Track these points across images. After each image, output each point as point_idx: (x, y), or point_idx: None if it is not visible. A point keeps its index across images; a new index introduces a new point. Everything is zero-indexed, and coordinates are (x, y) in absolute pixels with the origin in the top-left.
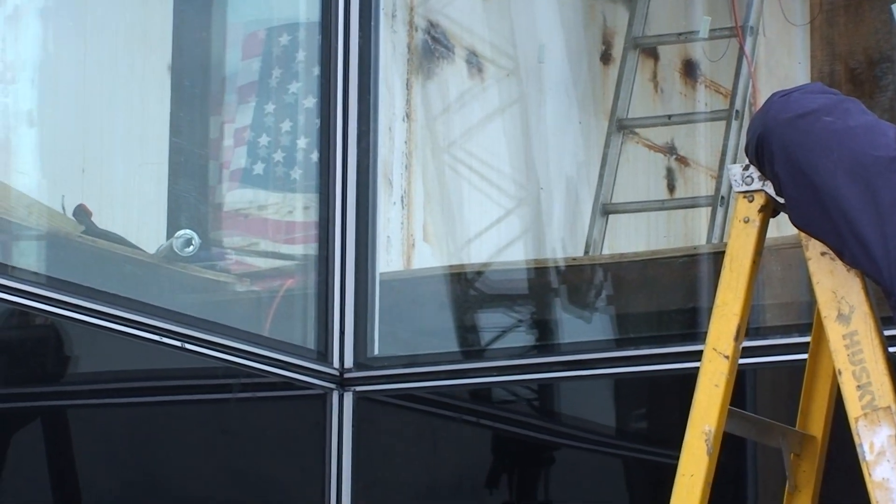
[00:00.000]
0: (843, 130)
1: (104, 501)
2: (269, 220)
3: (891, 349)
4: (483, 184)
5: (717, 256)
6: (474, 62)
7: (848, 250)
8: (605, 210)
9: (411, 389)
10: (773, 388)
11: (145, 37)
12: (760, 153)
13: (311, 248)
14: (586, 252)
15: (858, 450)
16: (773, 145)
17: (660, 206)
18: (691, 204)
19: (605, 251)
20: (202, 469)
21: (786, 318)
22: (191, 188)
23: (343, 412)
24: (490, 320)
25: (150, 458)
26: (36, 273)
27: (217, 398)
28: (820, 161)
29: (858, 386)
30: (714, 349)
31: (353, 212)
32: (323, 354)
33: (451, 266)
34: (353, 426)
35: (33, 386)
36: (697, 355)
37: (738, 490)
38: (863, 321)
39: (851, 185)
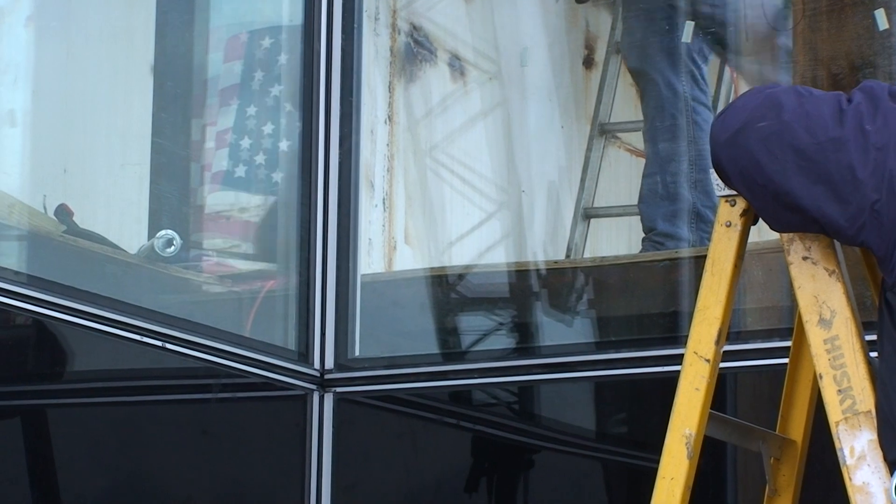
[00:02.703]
0: (778, 130)
1: (84, 501)
2: (251, 223)
3: (872, 354)
4: (465, 187)
5: (699, 260)
6: (457, 66)
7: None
8: (587, 214)
9: (392, 391)
10: (754, 392)
11: (128, 38)
12: (721, 176)
13: (293, 251)
14: (568, 255)
15: (839, 454)
16: (725, 168)
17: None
18: None
19: (587, 255)
20: (182, 469)
21: (767, 322)
22: (172, 189)
23: (323, 413)
24: (471, 323)
25: (130, 458)
26: (17, 272)
27: (198, 398)
28: (769, 168)
29: (839, 390)
30: (695, 353)
31: (334, 214)
32: (304, 355)
33: (432, 269)
34: (333, 427)
35: (12, 385)
36: (678, 359)
37: (718, 494)
38: (844, 326)
39: (804, 179)
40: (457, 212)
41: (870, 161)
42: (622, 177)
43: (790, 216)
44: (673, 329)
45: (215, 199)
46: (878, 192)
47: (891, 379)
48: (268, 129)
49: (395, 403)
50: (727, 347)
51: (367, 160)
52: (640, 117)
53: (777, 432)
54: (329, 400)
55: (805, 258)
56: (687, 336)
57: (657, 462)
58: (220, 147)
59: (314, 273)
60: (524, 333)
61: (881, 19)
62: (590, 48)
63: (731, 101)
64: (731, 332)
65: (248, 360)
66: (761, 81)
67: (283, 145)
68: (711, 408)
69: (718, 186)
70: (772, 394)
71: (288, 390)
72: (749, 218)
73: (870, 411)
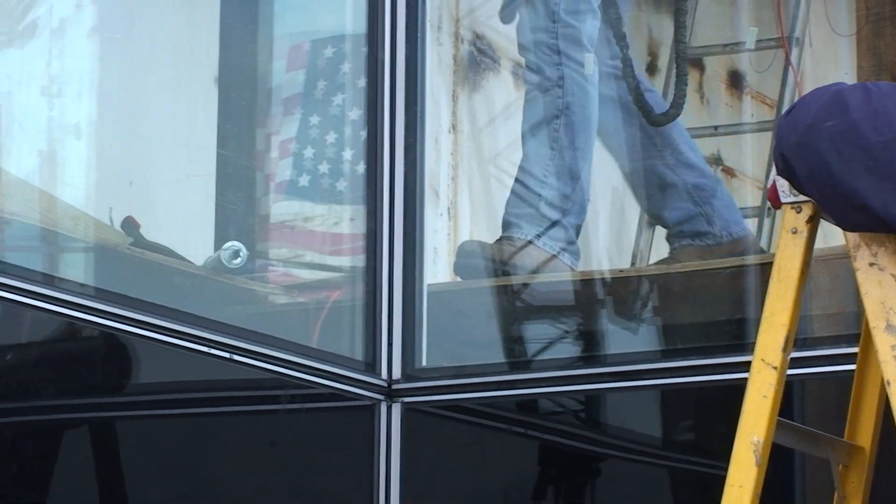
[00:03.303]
0: (845, 130)
1: None
2: (316, 232)
3: None
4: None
5: (765, 267)
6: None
7: None
8: (652, 222)
9: (459, 400)
10: (822, 399)
11: (192, 49)
12: (791, 179)
13: (359, 260)
14: (633, 263)
15: None
16: (797, 171)
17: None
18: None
19: (652, 262)
20: (251, 480)
21: (834, 328)
22: (237, 200)
23: (391, 423)
24: (536, 332)
25: (199, 469)
26: (83, 285)
27: (266, 409)
28: (837, 170)
29: None
30: (762, 360)
31: (400, 223)
32: (371, 365)
33: (497, 277)
34: (401, 437)
35: (81, 397)
36: (745, 366)
37: (787, 501)
38: None
39: (872, 178)
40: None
41: None
42: None
43: (860, 216)
44: (740, 336)
45: (280, 208)
46: None
47: None
48: (331, 138)
49: (463, 413)
50: (794, 354)
51: (431, 169)
52: (705, 124)
53: (845, 439)
54: (397, 410)
55: (872, 264)
56: (754, 343)
57: (725, 470)
58: (283, 157)
59: (380, 283)
60: (590, 342)
61: None
62: (653, 55)
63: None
64: (798, 338)
65: (316, 371)
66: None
67: (347, 154)
68: (779, 415)
69: (783, 193)
70: (839, 401)
71: (355, 401)
72: (815, 224)
73: None
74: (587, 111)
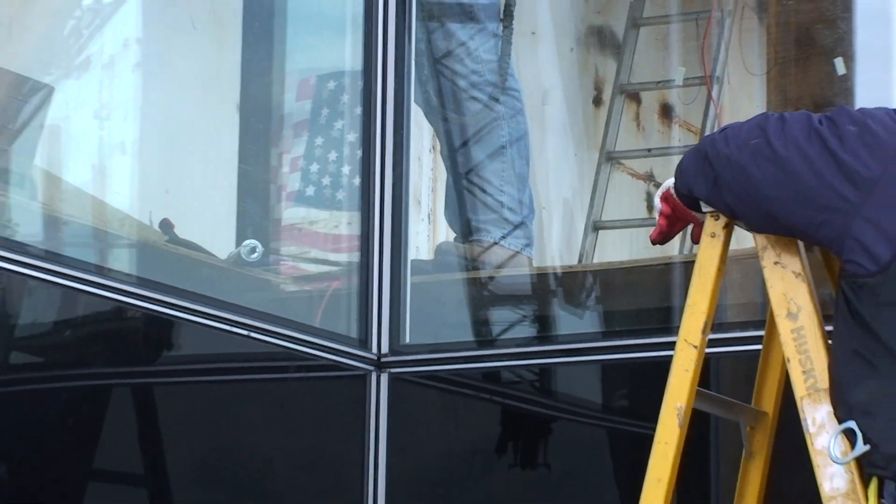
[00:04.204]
0: (763, 147)
1: (185, 464)
2: (319, 233)
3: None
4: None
5: (688, 265)
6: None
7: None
8: (596, 227)
9: (436, 371)
10: (733, 373)
11: (218, 81)
12: (716, 189)
13: (354, 256)
14: (580, 261)
15: (803, 423)
16: (726, 179)
17: (640, 223)
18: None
19: (595, 260)
20: (265, 437)
21: (744, 315)
22: (255, 206)
23: (380, 390)
24: (500, 316)
25: (223, 428)
26: (128, 274)
27: (277, 378)
28: (756, 181)
29: (804, 371)
30: (685, 340)
31: (388, 226)
32: (363, 342)
33: (468, 272)
34: (388, 401)
35: (125, 367)
36: (671, 345)
37: (704, 456)
38: (808, 318)
39: (778, 188)
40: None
41: (826, 172)
42: (625, 196)
43: (768, 222)
44: (667, 321)
45: (290, 213)
46: (830, 196)
47: (838, 350)
48: (332, 156)
49: (439, 382)
50: (711, 336)
51: (415, 182)
52: (641, 147)
53: (752, 405)
54: (385, 379)
55: (776, 263)
56: (679, 327)
57: (654, 430)
58: (293, 171)
59: (372, 275)
60: (544, 324)
61: (840, 66)
62: (598, 89)
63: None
64: (714, 323)
65: (318, 346)
66: None
67: (346, 170)
68: (698, 386)
69: (703, 205)
70: (748, 374)
71: (351, 371)
72: (730, 230)
73: (828, 388)
74: (524, 126)
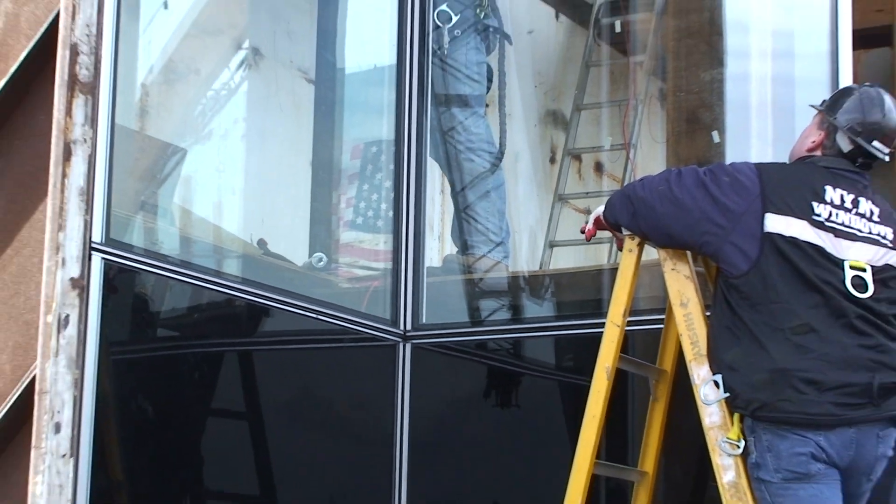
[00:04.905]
0: (665, 191)
1: (273, 406)
2: (365, 249)
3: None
4: (483, 230)
5: (613, 271)
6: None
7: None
8: (551, 244)
9: (444, 342)
10: (645, 343)
11: (297, 146)
12: (634, 219)
13: (388, 264)
14: (540, 268)
15: (692, 378)
16: (637, 212)
17: (581, 242)
18: (598, 242)
19: (551, 267)
20: (329, 386)
21: (651, 304)
22: (322, 230)
23: (405, 355)
24: (486, 305)
25: (300, 380)
26: (236, 276)
27: (336, 346)
28: (660, 213)
29: (692, 342)
30: (611, 322)
31: (412, 244)
32: (395, 322)
33: (465, 275)
34: (411, 363)
35: (233, 339)
36: (602, 325)
37: (623, 400)
38: (694, 307)
39: (676, 220)
40: (480, 245)
41: (707, 209)
42: (571, 224)
43: (668, 240)
44: (599, 308)
45: (345, 235)
46: (706, 232)
47: (715, 327)
48: (374, 197)
49: (446, 349)
50: (629, 319)
51: (429, 214)
52: (580, 191)
53: (657, 366)
54: (409, 347)
55: (673, 269)
56: (607, 312)
57: (591, 382)
58: (348, 207)
59: (400, 277)
60: (516, 311)
61: (716, 137)
62: (553, 152)
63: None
64: (631, 309)
65: (364, 325)
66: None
67: (383, 206)
68: (620, 353)
69: (624, 231)
70: (654, 344)
71: (386, 342)
72: (642, 246)
73: (706, 354)
74: (501, 177)
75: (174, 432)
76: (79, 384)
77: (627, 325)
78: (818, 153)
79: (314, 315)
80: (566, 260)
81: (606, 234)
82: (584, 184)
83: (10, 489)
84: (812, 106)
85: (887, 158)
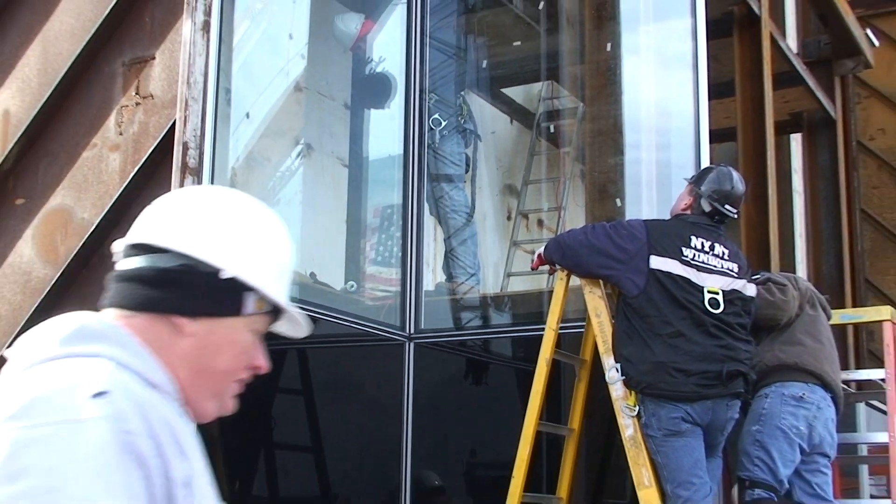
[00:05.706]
0: (583, 240)
1: (314, 386)
2: (383, 277)
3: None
4: (463, 265)
5: (550, 293)
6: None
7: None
8: (509, 275)
9: (437, 342)
10: (571, 341)
11: (337, 209)
12: (562, 262)
13: (398, 288)
14: (501, 290)
15: (603, 365)
16: (566, 255)
17: (530, 273)
18: (540, 273)
19: (509, 290)
20: (355, 375)
21: (575, 315)
22: (353, 265)
23: (411, 352)
24: (466, 315)
25: (335, 370)
26: (296, 297)
27: (360, 345)
28: (582, 255)
29: (603, 341)
30: (550, 327)
31: (414, 275)
32: (402, 327)
33: (450, 296)
34: (414, 359)
35: (286, 344)
36: (543, 329)
37: (558, 381)
38: (605, 317)
39: (594, 261)
40: (460, 275)
41: (611, 251)
42: (522, 262)
43: (587, 273)
44: (541, 318)
45: (370, 268)
46: (610, 267)
47: (618, 331)
48: (389, 242)
49: (439, 347)
50: (562, 325)
51: (426, 255)
52: (528, 239)
53: (580, 357)
54: (413, 346)
55: (590, 291)
56: (546, 321)
57: (535, 368)
58: (371, 249)
59: (407, 296)
60: (486, 319)
61: (619, 202)
62: (509, 213)
63: (564, 230)
64: (563, 318)
65: (381, 330)
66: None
67: (395, 249)
68: (555, 348)
69: (557, 268)
70: (577, 342)
71: (396, 342)
72: (570, 276)
73: (611, 349)
74: (475, 228)
75: (249, 402)
76: None
77: (560, 329)
78: (688, 213)
79: (348, 322)
80: (519, 285)
81: (546, 267)
82: (530, 234)
83: None
84: (685, 179)
85: (735, 216)
